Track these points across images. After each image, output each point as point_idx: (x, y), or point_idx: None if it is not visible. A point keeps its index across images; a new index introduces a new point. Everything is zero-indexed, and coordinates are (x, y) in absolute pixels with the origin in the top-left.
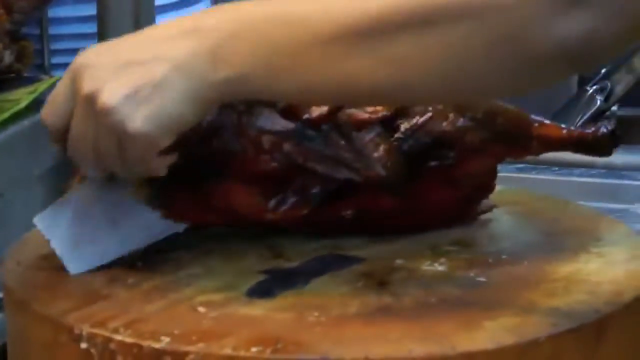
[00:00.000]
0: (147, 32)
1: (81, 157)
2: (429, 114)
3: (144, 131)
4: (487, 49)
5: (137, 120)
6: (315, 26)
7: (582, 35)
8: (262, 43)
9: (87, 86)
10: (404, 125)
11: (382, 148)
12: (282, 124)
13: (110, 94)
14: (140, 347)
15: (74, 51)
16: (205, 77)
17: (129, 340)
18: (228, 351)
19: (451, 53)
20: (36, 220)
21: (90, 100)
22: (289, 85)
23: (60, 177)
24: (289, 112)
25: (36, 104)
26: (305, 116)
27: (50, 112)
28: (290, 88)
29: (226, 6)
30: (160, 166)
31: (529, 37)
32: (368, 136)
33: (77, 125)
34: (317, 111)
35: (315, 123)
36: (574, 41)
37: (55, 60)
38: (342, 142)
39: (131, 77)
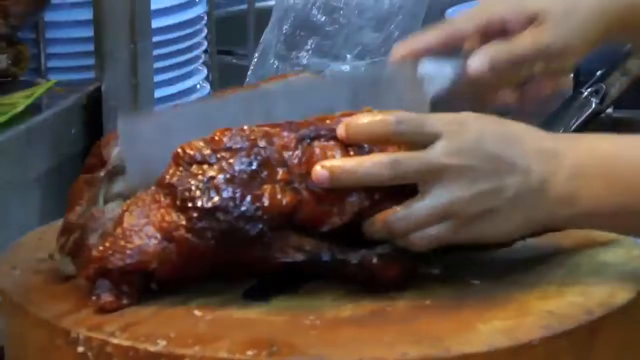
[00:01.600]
0: (516, 140)
1: None
2: None
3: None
4: None
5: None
6: None
7: None
8: (615, 182)
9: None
10: None
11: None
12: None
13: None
14: (136, 350)
15: (70, 55)
16: (549, 209)
17: (125, 343)
18: (223, 354)
19: None
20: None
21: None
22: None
23: (56, 181)
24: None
25: (33, 108)
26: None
27: None
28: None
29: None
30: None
31: None
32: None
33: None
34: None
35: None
36: None
37: (52, 64)
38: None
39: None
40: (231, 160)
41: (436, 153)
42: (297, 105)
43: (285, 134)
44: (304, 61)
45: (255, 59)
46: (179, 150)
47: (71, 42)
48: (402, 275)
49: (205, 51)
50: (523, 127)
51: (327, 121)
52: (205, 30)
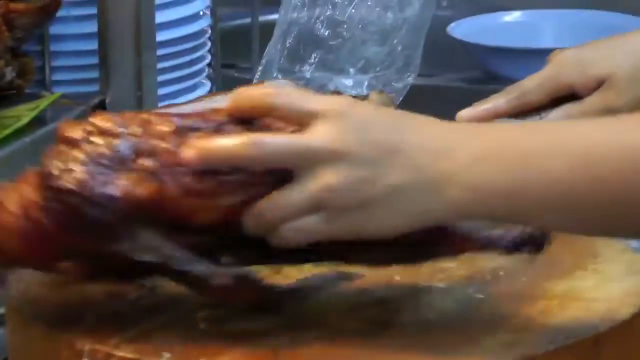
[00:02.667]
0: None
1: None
2: None
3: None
4: None
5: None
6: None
7: None
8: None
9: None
10: None
11: None
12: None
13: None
14: None
15: (75, 68)
16: (440, 198)
17: (130, 356)
18: None
19: None
20: None
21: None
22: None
23: None
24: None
25: (37, 121)
26: None
27: None
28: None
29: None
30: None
31: None
32: None
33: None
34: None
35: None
36: None
37: (56, 77)
38: None
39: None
40: (99, 143)
41: (309, 135)
42: None
43: (166, 124)
44: (307, 75)
45: (259, 73)
46: (59, 129)
47: (76, 55)
48: (257, 302)
49: (209, 64)
50: (420, 120)
51: (214, 116)
52: (209, 44)
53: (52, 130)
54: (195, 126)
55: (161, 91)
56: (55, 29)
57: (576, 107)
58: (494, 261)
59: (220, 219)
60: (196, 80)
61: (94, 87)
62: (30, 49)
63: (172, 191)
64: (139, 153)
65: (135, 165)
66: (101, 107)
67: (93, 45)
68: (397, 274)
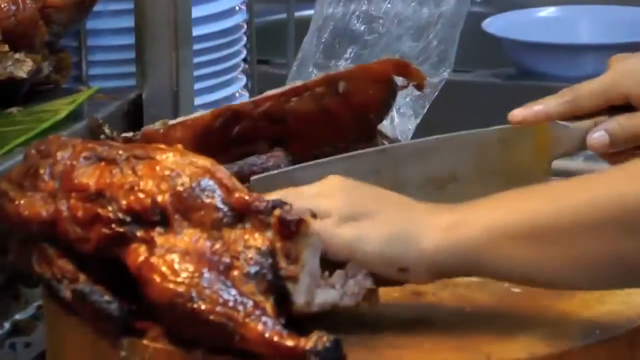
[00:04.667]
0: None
1: None
2: None
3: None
4: None
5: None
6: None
7: None
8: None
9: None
10: None
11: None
12: None
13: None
14: (178, 355)
15: (112, 62)
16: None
17: (167, 348)
18: None
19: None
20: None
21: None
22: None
23: None
24: None
25: (75, 115)
26: None
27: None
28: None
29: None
30: None
31: None
32: None
33: None
34: None
35: None
36: None
37: (93, 71)
38: None
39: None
40: (31, 164)
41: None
42: (423, 167)
43: (87, 152)
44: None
45: (294, 68)
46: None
47: (113, 50)
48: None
49: (245, 60)
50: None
51: (121, 150)
52: (245, 39)
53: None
54: (99, 157)
55: (197, 86)
56: (92, 24)
57: (630, 120)
58: None
59: (91, 251)
60: (232, 75)
61: (131, 82)
62: (67, 44)
63: (65, 216)
64: (53, 175)
65: (37, 186)
66: (138, 101)
67: (130, 39)
68: None
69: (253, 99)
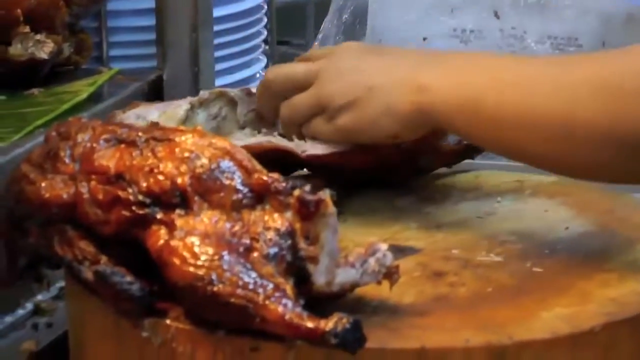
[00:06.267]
0: (392, 59)
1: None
2: None
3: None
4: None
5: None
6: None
7: None
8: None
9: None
10: None
11: None
12: None
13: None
14: (199, 335)
15: (132, 44)
16: (406, 98)
17: (188, 328)
18: None
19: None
20: None
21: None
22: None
23: None
24: None
25: (96, 96)
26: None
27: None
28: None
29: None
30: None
31: None
32: None
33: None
34: None
35: None
36: None
37: (113, 52)
38: None
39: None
40: (51, 146)
41: (312, 64)
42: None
43: (107, 134)
44: None
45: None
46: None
47: (133, 31)
48: (115, 299)
49: (265, 41)
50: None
51: (140, 132)
52: (265, 20)
53: (109, 106)
54: (119, 138)
55: (217, 67)
56: (112, 5)
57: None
58: (552, 235)
59: (112, 233)
60: (252, 56)
61: (151, 63)
62: (87, 25)
63: (85, 198)
64: (73, 158)
65: (59, 168)
66: (158, 82)
67: (150, 21)
68: (455, 248)
69: (321, 152)
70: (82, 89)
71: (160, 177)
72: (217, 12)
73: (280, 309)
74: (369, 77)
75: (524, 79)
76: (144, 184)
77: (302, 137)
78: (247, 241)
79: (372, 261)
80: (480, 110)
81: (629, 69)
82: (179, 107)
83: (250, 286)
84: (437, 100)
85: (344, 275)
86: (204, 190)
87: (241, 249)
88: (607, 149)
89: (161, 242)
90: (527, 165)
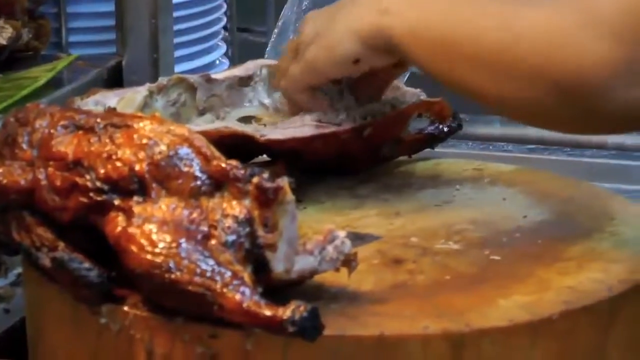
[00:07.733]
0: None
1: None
2: None
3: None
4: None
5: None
6: None
7: None
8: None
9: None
10: None
11: None
12: None
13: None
14: (157, 322)
15: (91, 29)
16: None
17: (146, 315)
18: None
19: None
20: None
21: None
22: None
23: None
24: None
25: (55, 82)
26: None
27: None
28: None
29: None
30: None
31: (600, 104)
32: None
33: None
34: None
35: None
36: None
37: (73, 38)
38: None
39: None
40: (9, 132)
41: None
42: None
43: (65, 120)
44: None
45: (274, 36)
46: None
47: (92, 17)
48: (72, 285)
49: (225, 27)
50: None
51: (99, 119)
52: (225, 6)
53: (69, 92)
54: (77, 124)
55: (177, 53)
56: None
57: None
58: (511, 223)
59: (69, 220)
60: (212, 42)
61: (111, 49)
62: (47, 10)
63: (43, 184)
64: (31, 144)
65: (15, 154)
66: (118, 68)
67: (110, 7)
68: (414, 236)
69: (280, 137)
70: (41, 74)
71: (118, 164)
72: None
73: (237, 296)
74: (335, 10)
75: (478, 14)
76: (102, 171)
77: (305, 108)
78: (205, 228)
79: (330, 248)
80: (434, 38)
81: (576, 7)
82: (138, 93)
83: (208, 274)
84: (396, 24)
85: (303, 263)
86: (162, 177)
87: (199, 237)
88: (539, 87)
89: (119, 229)
90: (485, 149)
